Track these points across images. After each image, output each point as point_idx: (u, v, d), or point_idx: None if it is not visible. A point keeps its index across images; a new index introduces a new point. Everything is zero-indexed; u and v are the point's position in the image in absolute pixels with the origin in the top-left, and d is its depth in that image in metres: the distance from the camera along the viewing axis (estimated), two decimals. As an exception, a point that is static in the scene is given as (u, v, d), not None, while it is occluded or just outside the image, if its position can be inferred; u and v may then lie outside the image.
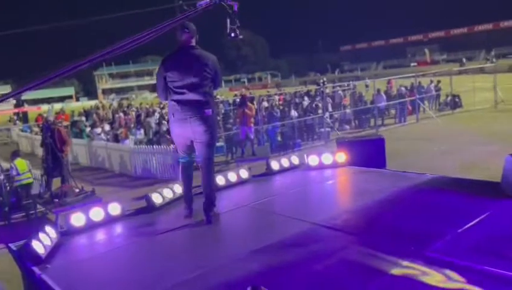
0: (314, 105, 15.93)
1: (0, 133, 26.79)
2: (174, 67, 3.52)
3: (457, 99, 18.46)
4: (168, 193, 4.20)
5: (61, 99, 67.07)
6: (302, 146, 13.33)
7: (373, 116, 16.31)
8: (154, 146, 11.85)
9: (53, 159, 8.07)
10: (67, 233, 3.57)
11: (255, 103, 13.83)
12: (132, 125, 16.63)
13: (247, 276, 2.48)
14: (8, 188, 8.80)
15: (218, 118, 13.90)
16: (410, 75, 19.35)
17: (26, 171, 8.74)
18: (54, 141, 8.23)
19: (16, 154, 9.06)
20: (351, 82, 23.30)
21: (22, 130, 22.86)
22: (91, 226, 3.67)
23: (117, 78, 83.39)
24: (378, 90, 17.26)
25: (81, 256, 3.24)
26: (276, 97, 22.09)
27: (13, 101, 31.74)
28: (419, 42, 66.88)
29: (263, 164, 5.19)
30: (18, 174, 8.62)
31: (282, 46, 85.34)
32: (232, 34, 3.81)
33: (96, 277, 2.87)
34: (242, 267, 2.63)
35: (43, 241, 3.11)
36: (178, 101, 3.51)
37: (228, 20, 3.77)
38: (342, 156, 4.92)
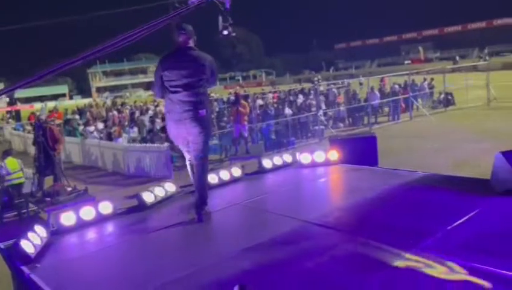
0: (308, 103, 15.95)
1: (-8, 131, 26.58)
2: (171, 67, 3.60)
3: (450, 97, 18.57)
4: (159, 192, 4.19)
5: (55, 97, 66.38)
6: (296, 144, 13.31)
7: (367, 114, 16.35)
8: (148, 144, 11.80)
9: (45, 157, 8.03)
10: (57, 232, 3.54)
11: (249, 100, 13.82)
12: (126, 123, 16.56)
13: (239, 274, 2.48)
14: (0, 187, 8.72)
15: (213, 116, 13.88)
16: (404, 72, 19.44)
17: (17, 170, 8.59)
18: (46, 140, 8.19)
19: (7, 153, 8.89)
20: (345, 80, 23.36)
21: (15, 129, 22.69)
22: (82, 225, 3.65)
23: (111, 76, 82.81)
24: (372, 88, 17.31)
25: (71, 255, 3.21)
26: (270, 95, 22.11)
27: (6, 99, 31.54)
28: (413, 40, 67.21)
29: (257, 162, 5.19)
30: (8, 173, 8.45)
31: (276, 44, 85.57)
32: (225, 32, 3.79)
33: (86, 276, 2.84)
34: (233, 265, 2.63)
35: (32, 241, 3.08)
36: (173, 100, 3.59)
37: (220, 18, 3.75)
38: (334, 154, 4.93)
